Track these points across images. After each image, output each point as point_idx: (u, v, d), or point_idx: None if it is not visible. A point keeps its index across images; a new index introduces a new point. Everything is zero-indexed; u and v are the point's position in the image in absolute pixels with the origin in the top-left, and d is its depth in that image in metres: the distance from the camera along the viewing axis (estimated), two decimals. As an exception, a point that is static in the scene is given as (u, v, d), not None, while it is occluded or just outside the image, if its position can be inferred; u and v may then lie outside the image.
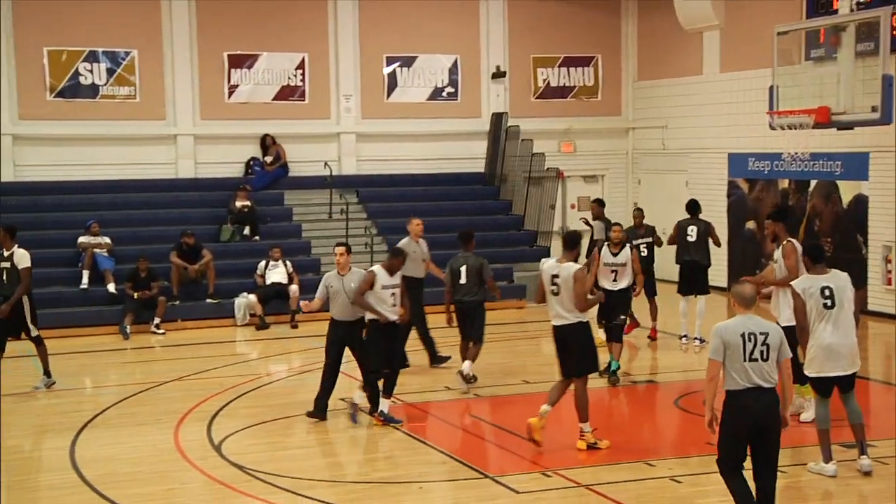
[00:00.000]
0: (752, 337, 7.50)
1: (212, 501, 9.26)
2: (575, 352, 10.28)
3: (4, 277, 13.19)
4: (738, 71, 20.81)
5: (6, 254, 13.26)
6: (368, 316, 11.49)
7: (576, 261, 10.44)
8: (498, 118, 22.86)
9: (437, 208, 21.53)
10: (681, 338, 15.63)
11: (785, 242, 11.20)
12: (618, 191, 24.21)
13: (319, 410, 11.62)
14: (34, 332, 13.41)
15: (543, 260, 10.89)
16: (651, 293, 15.91)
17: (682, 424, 11.36)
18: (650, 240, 16.13)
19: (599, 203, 17.55)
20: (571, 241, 10.57)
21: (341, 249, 11.79)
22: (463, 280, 13.13)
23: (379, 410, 11.34)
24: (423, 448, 10.71)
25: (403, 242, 13.84)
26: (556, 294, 10.25)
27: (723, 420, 7.60)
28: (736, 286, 7.82)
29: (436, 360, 14.18)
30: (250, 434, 11.28)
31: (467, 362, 12.94)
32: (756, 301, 7.74)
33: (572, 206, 23.93)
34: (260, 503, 8.99)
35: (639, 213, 16.77)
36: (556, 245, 22.78)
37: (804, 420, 10.94)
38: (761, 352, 7.48)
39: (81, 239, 18.62)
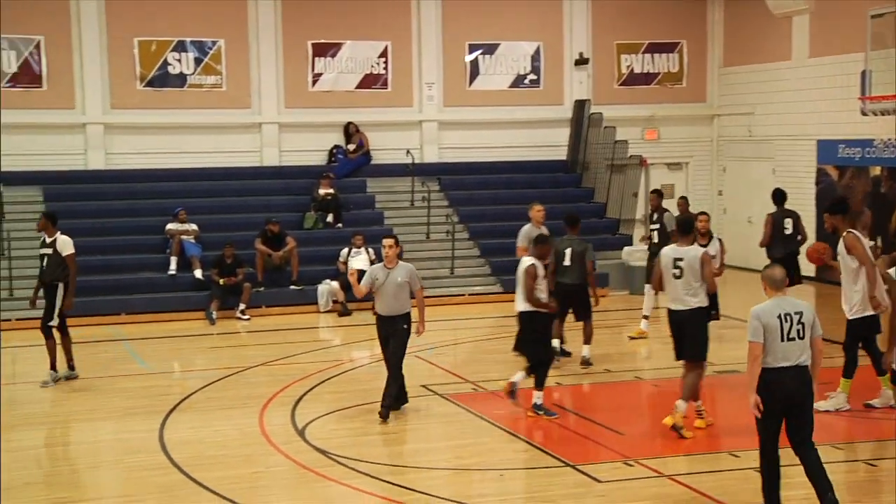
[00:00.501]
0: (788, 317, 7.77)
1: (296, 485, 9.39)
2: (689, 336, 10.36)
3: (45, 263, 13.32)
4: (829, 56, 20.37)
5: (49, 240, 13.36)
6: (524, 308, 11.17)
7: (692, 243, 10.64)
8: (581, 105, 22.70)
9: (519, 196, 21.41)
10: None
11: (845, 234, 10.92)
12: (702, 179, 23.91)
13: (386, 408, 11.23)
14: (54, 322, 13.23)
15: (664, 249, 10.73)
16: None
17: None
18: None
19: (658, 194, 16.82)
20: (686, 226, 10.74)
21: (390, 241, 11.30)
22: (567, 262, 13.30)
23: (533, 403, 11.13)
24: (504, 436, 10.72)
25: (526, 229, 13.91)
26: (679, 277, 10.32)
27: (762, 398, 7.78)
28: (766, 270, 8.08)
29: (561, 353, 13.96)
30: (333, 419, 11.41)
31: (586, 346, 13.37)
32: (786, 283, 7.99)
33: (680, 202, 23.60)
34: (342, 488, 9.09)
35: (656, 195, 16.33)
36: (639, 233, 22.73)
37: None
38: (797, 331, 7.76)
39: (169, 226, 18.99)
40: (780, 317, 7.76)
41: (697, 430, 10.47)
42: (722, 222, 23.18)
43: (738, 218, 23.03)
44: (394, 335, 11.20)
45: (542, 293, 11.12)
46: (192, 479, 9.34)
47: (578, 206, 21.93)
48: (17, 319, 17.28)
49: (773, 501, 7.98)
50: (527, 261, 11.21)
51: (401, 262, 11.26)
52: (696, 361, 10.45)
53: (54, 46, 20.17)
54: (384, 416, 11.03)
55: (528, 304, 11.12)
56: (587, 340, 13.43)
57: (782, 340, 7.72)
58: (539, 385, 11.12)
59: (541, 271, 11.13)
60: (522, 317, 11.26)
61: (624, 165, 21.68)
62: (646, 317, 15.37)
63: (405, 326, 11.22)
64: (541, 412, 11.06)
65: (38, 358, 14.81)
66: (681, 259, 10.34)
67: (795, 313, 7.80)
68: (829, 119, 20.36)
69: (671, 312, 10.49)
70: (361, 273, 18.57)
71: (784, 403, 7.76)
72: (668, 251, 10.56)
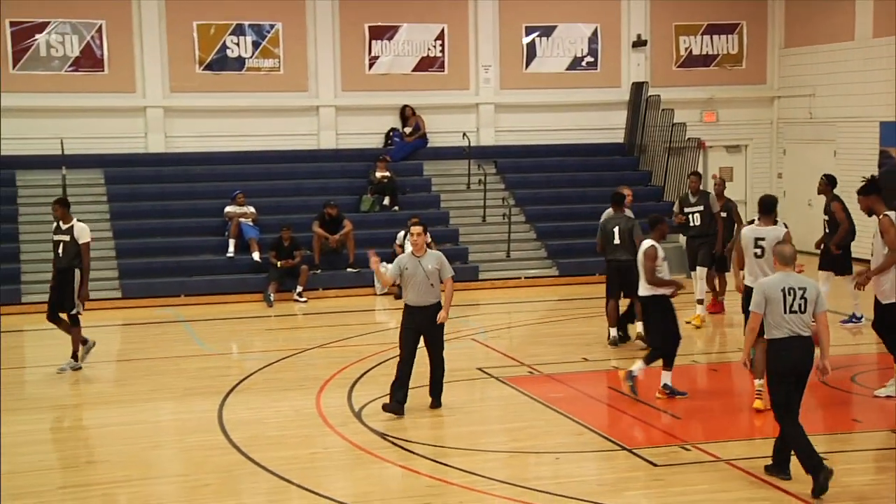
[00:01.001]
0: (791, 291, 8.39)
1: (353, 466, 9.46)
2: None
3: (61, 251, 13.02)
4: (893, 36, 19.96)
5: (64, 227, 13.08)
6: (648, 292, 11.08)
7: (775, 223, 10.67)
8: (638, 88, 22.51)
9: (575, 179, 21.38)
10: (850, 319, 14.71)
11: (882, 217, 10.71)
12: (761, 161, 23.61)
13: (397, 402, 10.67)
14: (77, 310, 12.99)
15: (745, 228, 10.76)
16: (712, 264, 15.23)
17: (838, 401, 11.00)
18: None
19: (697, 176, 16.04)
20: (769, 205, 10.79)
21: (418, 229, 10.73)
22: (616, 241, 13.42)
23: (662, 384, 11.06)
24: (560, 419, 10.70)
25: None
26: (760, 257, 10.51)
27: (769, 367, 8.50)
28: (777, 246, 8.79)
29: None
30: (389, 401, 11.45)
31: (639, 323, 13.29)
32: (796, 259, 8.57)
33: (714, 177, 23.39)
34: (398, 469, 9.14)
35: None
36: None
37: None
38: (800, 305, 8.36)
39: (228, 208, 19.17)
40: (783, 290, 8.36)
41: (756, 412, 10.36)
42: (781, 205, 22.78)
43: (798, 201, 22.69)
44: (429, 328, 10.78)
45: (664, 274, 11.07)
46: (250, 459, 9.45)
47: (635, 189, 21.60)
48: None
49: (814, 463, 8.16)
50: (647, 243, 11.20)
51: (430, 251, 10.86)
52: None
53: (115, 31, 20.41)
54: (436, 405, 10.96)
55: (649, 286, 11.05)
56: (639, 318, 13.37)
57: (785, 312, 8.33)
58: (667, 365, 11.06)
59: (661, 252, 11.12)
60: (644, 301, 11.27)
61: (682, 148, 21.48)
62: (700, 301, 15.13)
63: (436, 316, 10.82)
64: (668, 391, 11.02)
65: (102, 339, 15.03)
66: (762, 238, 10.54)
67: (799, 288, 8.38)
68: (892, 100, 19.97)
69: (748, 289, 10.49)
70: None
71: (791, 371, 8.33)
72: (749, 231, 10.75)
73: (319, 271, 18.68)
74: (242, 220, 18.97)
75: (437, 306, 10.73)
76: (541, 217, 20.71)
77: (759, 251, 10.57)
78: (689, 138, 21.56)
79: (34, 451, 9.79)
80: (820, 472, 8.13)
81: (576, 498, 8.27)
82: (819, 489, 8.09)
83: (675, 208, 15.46)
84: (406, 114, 21.69)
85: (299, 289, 18.13)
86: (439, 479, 8.78)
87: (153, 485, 9.07)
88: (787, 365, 8.34)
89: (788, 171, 23.38)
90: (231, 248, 18.73)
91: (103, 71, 20.46)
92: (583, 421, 10.53)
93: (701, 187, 15.70)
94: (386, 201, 20.31)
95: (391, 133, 21.76)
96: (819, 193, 15.30)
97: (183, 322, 16.40)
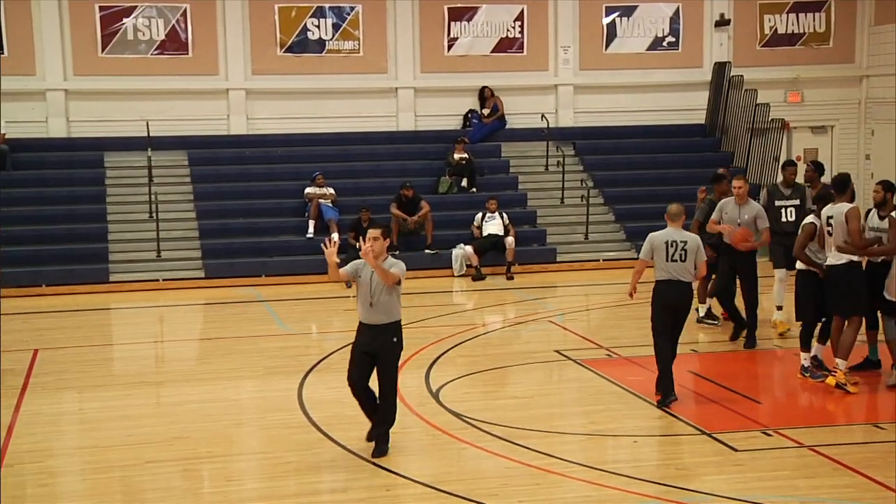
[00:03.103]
0: (673, 244, 10.23)
1: (430, 447, 9.50)
2: (842, 291, 10.52)
3: None
4: None
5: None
6: (801, 267, 10.97)
7: (851, 201, 10.64)
8: (720, 68, 22.15)
9: (655, 161, 21.14)
10: None
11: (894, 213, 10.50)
12: (848, 143, 23.09)
13: (375, 440, 9.12)
14: None
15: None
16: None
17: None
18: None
19: (793, 165, 14.28)
20: (842, 184, 10.76)
21: (375, 233, 8.75)
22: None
23: (814, 356, 11.06)
24: (639, 402, 10.62)
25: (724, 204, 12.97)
26: (830, 235, 10.61)
27: (653, 301, 10.36)
28: (669, 206, 10.40)
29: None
30: (466, 382, 11.50)
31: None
32: (681, 217, 10.35)
33: (798, 159, 22.98)
34: (476, 450, 9.16)
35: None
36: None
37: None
38: (680, 255, 10.19)
39: (308, 190, 19.35)
40: (666, 242, 10.24)
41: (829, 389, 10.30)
42: (869, 187, 22.31)
43: (886, 183, 22.16)
44: (381, 353, 8.87)
45: (818, 253, 10.92)
46: (329, 437, 9.56)
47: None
48: (164, 280, 17.95)
49: (666, 388, 10.21)
50: (809, 218, 11.16)
51: (390, 258, 8.91)
52: (849, 316, 10.58)
53: (199, 14, 20.69)
54: (379, 453, 8.95)
55: (797, 261, 11.05)
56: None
57: (667, 260, 10.19)
58: (822, 340, 11.13)
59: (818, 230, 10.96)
60: (798, 276, 11.20)
61: (765, 129, 21.10)
62: (780, 307, 13.54)
63: (395, 340, 8.91)
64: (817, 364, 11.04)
65: (184, 318, 15.38)
66: (831, 217, 10.60)
67: (681, 241, 10.22)
68: None
69: (826, 268, 10.67)
70: (495, 237, 18.87)
71: (668, 307, 10.27)
72: (825, 211, 10.77)
73: (397, 252, 18.75)
74: (322, 201, 19.14)
75: (395, 327, 8.90)
76: (619, 199, 20.54)
77: (829, 229, 10.65)
78: (772, 119, 21.17)
79: (119, 427, 10.03)
80: (667, 397, 10.15)
81: (653, 482, 8.22)
82: (661, 403, 10.16)
83: (763, 201, 13.26)
84: (485, 95, 21.65)
85: (378, 270, 18.20)
86: (516, 461, 8.79)
87: (234, 461, 9.22)
88: (664, 302, 10.26)
89: (876, 153, 22.83)
90: (311, 229, 18.92)
91: (187, 54, 20.77)
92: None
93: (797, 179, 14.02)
94: (464, 183, 20.31)
95: (469, 115, 21.74)
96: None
97: (263, 302, 16.63)
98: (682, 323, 10.42)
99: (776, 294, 13.45)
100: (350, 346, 9.15)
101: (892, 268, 10.48)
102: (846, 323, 10.67)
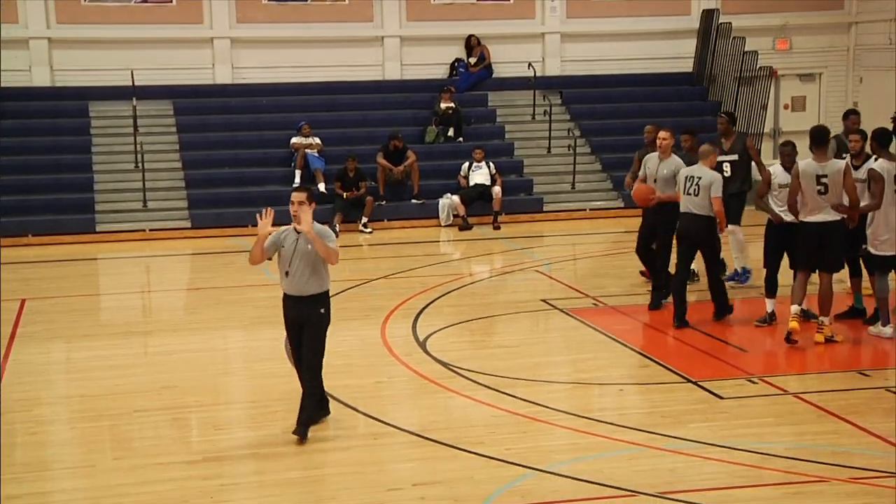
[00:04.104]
0: (690, 178, 11.16)
1: (417, 396, 9.57)
2: (830, 248, 10.30)
3: None
4: (977, -43, 19.27)
5: None
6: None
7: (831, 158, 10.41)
8: (708, 15, 22.02)
9: (642, 109, 21.06)
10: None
11: (872, 143, 10.46)
12: (836, 90, 23.03)
13: (301, 425, 8.32)
14: None
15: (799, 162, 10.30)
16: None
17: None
18: (735, 157, 12.85)
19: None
20: (821, 137, 10.33)
21: (300, 196, 8.17)
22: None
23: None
24: (625, 351, 10.70)
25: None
26: (823, 193, 10.18)
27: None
28: (702, 146, 11.50)
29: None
30: (453, 332, 11.54)
31: None
32: (711, 154, 11.36)
33: (786, 107, 22.96)
34: (463, 399, 9.22)
35: (726, 119, 13.22)
36: (767, 147, 22.08)
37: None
38: (694, 189, 11.05)
39: (294, 140, 19.26)
40: (686, 177, 11.21)
41: (816, 344, 10.29)
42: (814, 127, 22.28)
43: (873, 131, 22.17)
44: (307, 326, 8.31)
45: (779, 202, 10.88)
46: (317, 386, 9.58)
47: (704, 120, 21.39)
48: (151, 230, 17.90)
49: (678, 313, 11.18)
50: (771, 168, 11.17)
51: (317, 225, 8.22)
52: (830, 273, 10.43)
53: (181, -39, 20.45)
54: (302, 436, 8.21)
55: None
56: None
57: (685, 193, 11.13)
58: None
59: (780, 178, 10.84)
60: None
61: (753, 77, 21.03)
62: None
63: (322, 311, 8.34)
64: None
65: (172, 268, 15.32)
66: (824, 176, 10.16)
67: (697, 177, 11.07)
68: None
69: (810, 224, 10.28)
70: (482, 187, 18.85)
71: (682, 237, 11.29)
72: (807, 166, 10.27)
73: (384, 202, 18.74)
74: (308, 151, 19.05)
75: (323, 298, 8.36)
76: (606, 148, 20.50)
77: (821, 188, 10.15)
78: (760, 67, 21.10)
79: (108, 376, 10.06)
80: (678, 321, 11.12)
81: (639, 429, 8.29)
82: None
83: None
84: (471, 44, 21.49)
85: (364, 220, 18.22)
86: (503, 409, 8.85)
87: (223, 410, 9.27)
88: (680, 232, 11.36)
89: (865, 100, 22.78)
90: (297, 179, 18.83)
91: (171, 2, 20.53)
92: (647, 353, 10.52)
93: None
94: (451, 132, 20.23)
95: (456, 63, 21.60)
96: (720, 135, 13.14)
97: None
98: (702, 254, 11.35)
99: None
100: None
101: (872, 221, 10.42)
102: (821, 278, 10.34)
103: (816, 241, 10.34)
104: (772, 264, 11.05)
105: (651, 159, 12.13)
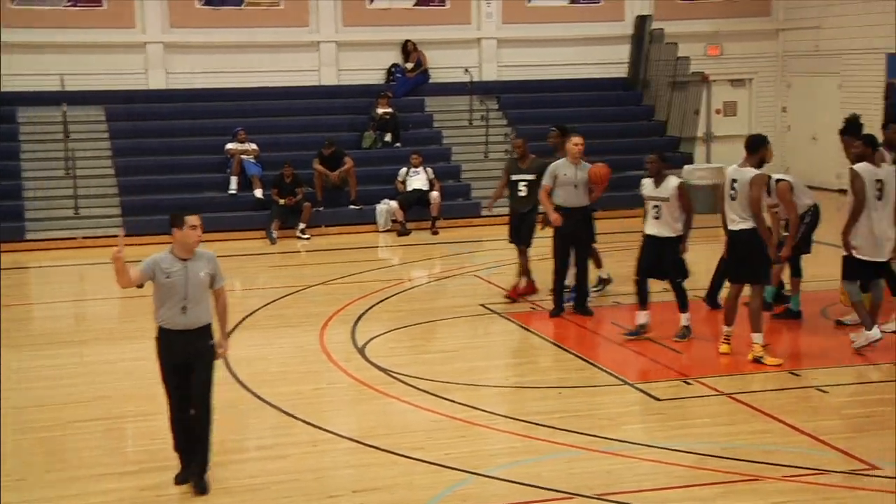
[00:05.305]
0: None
1: (356, 402, 9.54)
2: (747, 258, 9.98)
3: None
4: (900, -34, 19.73)
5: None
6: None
7: (760, 165, 9.98)
8: (642, 21, 22.29)
9: (578, 115, 21.21)
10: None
11: (864, 148, 10.16)
12: (766, 95, 23.48)
13: (199, 476, 7.50)
14: None
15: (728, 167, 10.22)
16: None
17: (830, 334, 11.08)
18: (532, 177, 12.61)
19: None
20: (753, 144, 10.08)
21: (194, 219, 7.42)
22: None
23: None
24: (564, 354, 10.77)
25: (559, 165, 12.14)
26: (734, 199, 9.94)
27: None
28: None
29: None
30: (392, 337, 11.53)
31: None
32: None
33: (717, 112, 23.31)
34: (402, 405, 9.21)
35: (521, 141, 13.19)
36: (701, 151, 22.42)
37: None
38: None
39: (229, 145, 19.11)
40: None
41: (722, 355, 10.26)
42: (786, 140, 22.77)
43: (803, 135, 22.63)
44: (197, 361, 7.45)
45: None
46: (254, 394, 9.53)
47: (639, 125, 21.72)
48: (84, 237, 17.63)
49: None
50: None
51: (199, 250, 7.53)
52: (752, 284, 10.09)
53: (113, -35, 20.20)
54: (204, 490, 7.40)
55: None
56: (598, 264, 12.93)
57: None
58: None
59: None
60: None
61: (686, 82, 21.32)
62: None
63: (210, 344, 7.56)
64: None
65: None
66: (736, 181, 9.95)
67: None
68: (899, 32, 19.80)
69: (729, 233, 10.09)
70: (420, 192, 18.84)
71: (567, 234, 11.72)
72: (729, 171, 10.16)
73: (322, 208, 18.67)
74: (244, 157, 18.92)
75: (207, 331, 7.53)
76: (544, 153, 20.56)
77: (733, 193, 9.93)
78: (692, 72, 21.40)
79: (41, 387, 9.89)
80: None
81: (577, 432, 8.35)
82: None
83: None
84: (407, 49, 21.51)
85: (302, 226, 18.13)
86: (442, 414, 8.85)
87: (159, 420, 9.10)
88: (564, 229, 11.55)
89: (793, 105, 23.25)
90: (233, 186, 18.71)
91: (101, 5, 20.27)
92: (585, 356, 10.60)
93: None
94: (388, 138, 20.23)
95: (393, 69, 21.60)
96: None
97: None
98: (576, 250, 11.78)
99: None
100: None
101: (853, 224, 10.09)
102: (750, 291, 10.07)
103: (733, 252, 10.10)
104: (642, 276, 10.90)
105: (564, 166, 11.91)
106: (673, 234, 10.74)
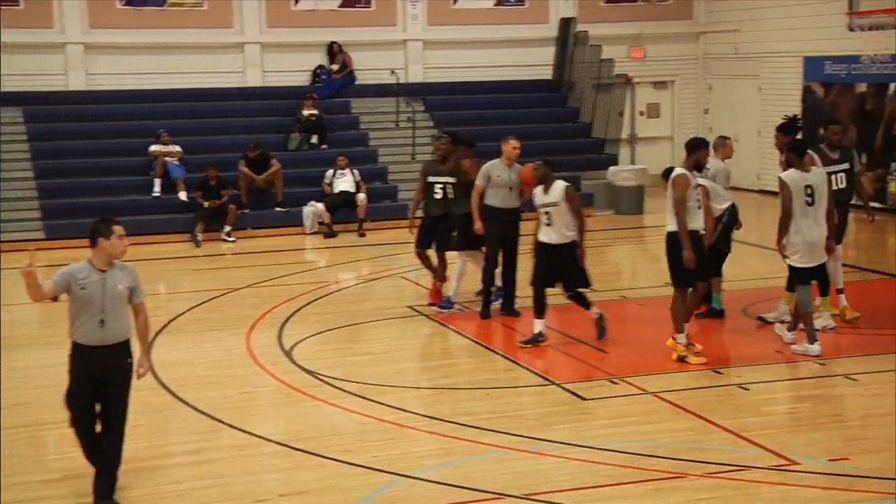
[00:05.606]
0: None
1: (284, 405, 9.48)
2: (668, 260, 10.10)
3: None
4: (816, -30, 20.18)
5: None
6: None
7: (695, 167, 9.99)
8: (566, 23, 22.49)
9: (504, 116, 21.36)
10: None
11: (788, 154, 10.27)
12: (688, 98, 23.83)
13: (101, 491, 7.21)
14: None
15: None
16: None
17: (752, 332, 11.29)
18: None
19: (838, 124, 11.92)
20: (689, 146, 10.13)
21: (121, 229, 7.15)
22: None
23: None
24: (490, 355, 10.81)
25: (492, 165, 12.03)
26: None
27: None
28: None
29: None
30: (320, 340, 11.48)
31: None
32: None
33: (641, 113, 23.62)
34: (330, 408, 9.17)
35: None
36: (625, 153, 22.72)
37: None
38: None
39: (152, 147, 18.86)
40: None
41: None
42: (709, 140, 23.07)
43: (724, 137, 22.99)
44: (113, 382, 7.14)
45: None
46: (180, 399, 9.42)
47: (564, 126, 21.91)
48: (2, 241, 17.24)
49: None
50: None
51: (119, 262, 7.25)
52: (675, 287, 10.20)
53: (30, -37, 19.81)
54: None
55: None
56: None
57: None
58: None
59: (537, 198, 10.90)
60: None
61: (610, 84, 21.55)
62: (841, 290, 11.50)
63: (129, 362, 7.24)
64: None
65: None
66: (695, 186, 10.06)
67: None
68: (815, 35, 20.23)
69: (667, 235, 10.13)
70: (347, 194, 18.78)
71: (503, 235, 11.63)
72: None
73: (247, 210, 18.52)
74: (168, 159, 18.69)
75: (126, 348, 7.22)
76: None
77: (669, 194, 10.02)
78: (616, 74, 21.65)
79: (-42, 396, 9.64)
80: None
81: (505, 432, 8.39)
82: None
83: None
84: (333, 51, 21.43)
85: (227, 228, 17.96)
86: (371, 417, 8.84)
87: (82, 427, 8.99)
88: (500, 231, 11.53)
89: (714, 107, 23.64)
90: (157, 188, 18.47)
91: (18, 5, 19.86)
92: (512, 357, 10.65)
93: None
94: (314, 139, 20.13)
95: (318, 70, 21.51)
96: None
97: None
98: (505, 250, 11.71)
99: (838, 275, 11.30)
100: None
101: (784, 233, 10.12)
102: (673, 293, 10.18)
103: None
104: (539, 284, 10.83)
105: (498, 168, 11.88)
106: (566, 241, 10.64)
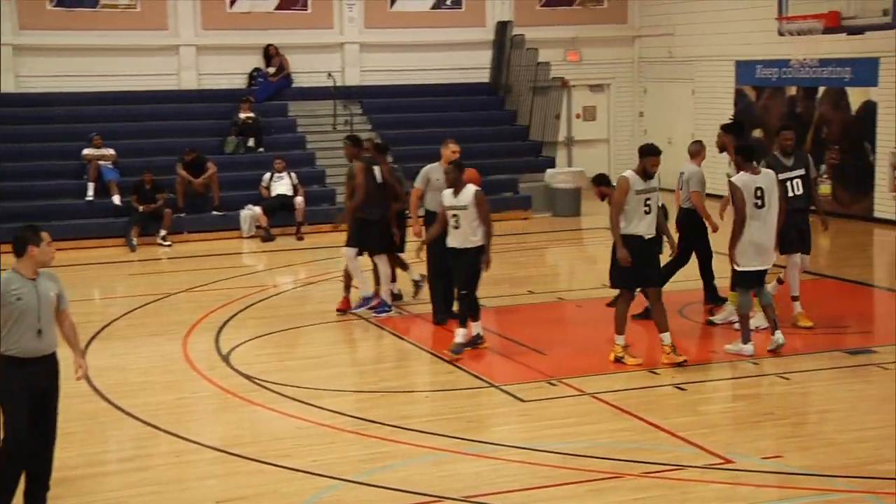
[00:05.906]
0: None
1: (221, 410, 9.39)
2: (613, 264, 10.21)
3: None
4: (748, -25, 20.50)
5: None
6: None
7: (641, 173, 9.97)
8: (503, 27, 22.59)
9: (441, 119, 21.40)
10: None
11: (736, 157, 10.38)
12: (623, 100, 24.06)
13: None
14: None
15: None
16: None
17: (687, 333, 11.42)
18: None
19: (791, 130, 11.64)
20: (639, 152, 10.17)
21: (48, 236, 7.04)
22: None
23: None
24: (430, 358, 10.82)
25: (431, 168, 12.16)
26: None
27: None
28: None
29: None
30: (258, 345, 11.40)
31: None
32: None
33: (578, 116, 23.81)
34: (268, 412, 9.11)
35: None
36: (562, 155, 22.88)
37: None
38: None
39: (85, 151, 18.59)
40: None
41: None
42: (642, 142, 23.34)
43: (659, 139, 23.07)
44: (49, 390, 7.01)
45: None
46: (115, 406, 9.30)
47: (501, 129, 22.01)
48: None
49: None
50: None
51: (43, 270, 7.04)
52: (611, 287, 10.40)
53: (-42, -37, 19.41)
54: None
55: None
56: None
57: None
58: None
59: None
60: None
61: (546, 87, 21.70)
62: (796, 297, 11.49)
63: (58, 371, 7.11)
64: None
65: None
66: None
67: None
68: (747, 40, 20.56)
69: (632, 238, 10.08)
70: (284, 197, 18.62)
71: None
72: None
73: (184, 214, 18.33)
74: (101, 162, 18.43)
75: (56, 357, 7.05)
76: (408, 158, 20.59)
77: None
78: (553, 77, 21.80)
79: None
80: None
81: (446, 435, 8.40)
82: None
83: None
84: (269, 53, 21.31)
85: (163, 232, 17.76)
86: (309, 421, 8.80)
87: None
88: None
89: (649, 110, 23.90)
90: (90, 192, 18.21)
91: (-55, 6, 19.49)
92: (451, 359, 10.64)
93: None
94: (251, 143, 19.99)
95: (255, 73, 21.37)
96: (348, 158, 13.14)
97: (41, 269, 15.89)
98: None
99: (794, 283, 11.31)
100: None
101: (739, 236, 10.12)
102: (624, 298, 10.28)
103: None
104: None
105: (438, 171, 11.82)
106: (470, 246, 10.53)
